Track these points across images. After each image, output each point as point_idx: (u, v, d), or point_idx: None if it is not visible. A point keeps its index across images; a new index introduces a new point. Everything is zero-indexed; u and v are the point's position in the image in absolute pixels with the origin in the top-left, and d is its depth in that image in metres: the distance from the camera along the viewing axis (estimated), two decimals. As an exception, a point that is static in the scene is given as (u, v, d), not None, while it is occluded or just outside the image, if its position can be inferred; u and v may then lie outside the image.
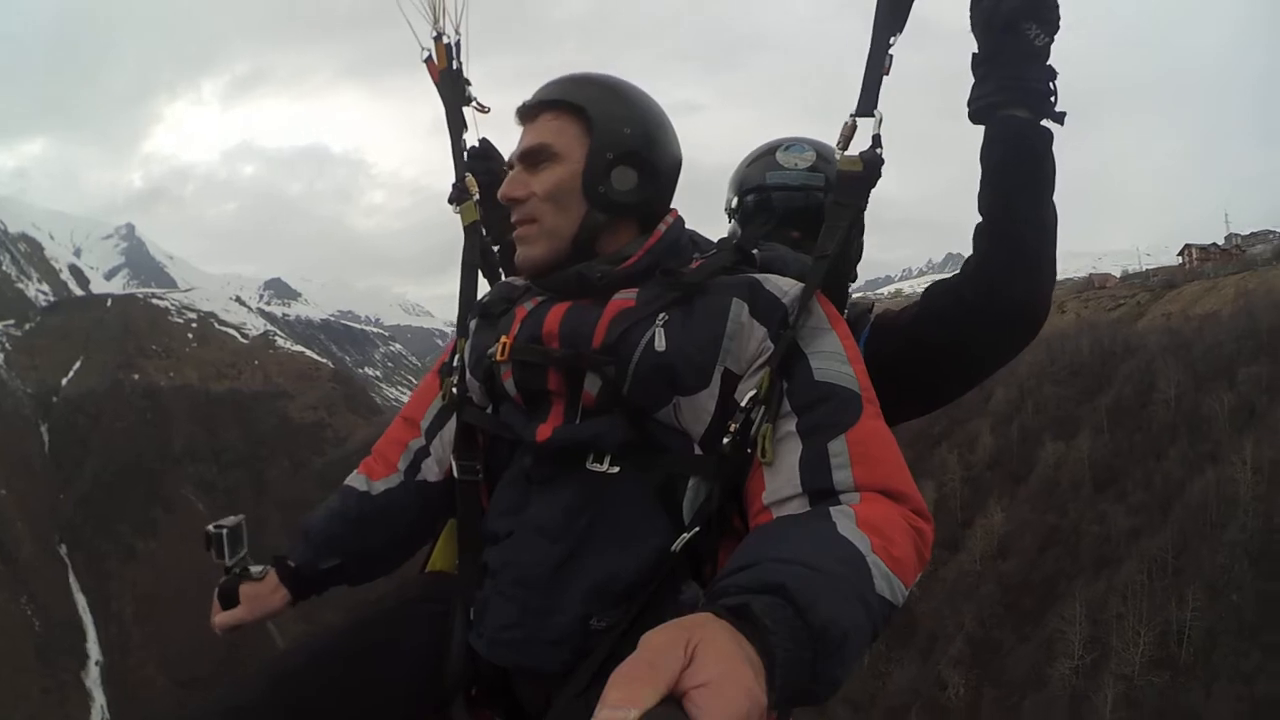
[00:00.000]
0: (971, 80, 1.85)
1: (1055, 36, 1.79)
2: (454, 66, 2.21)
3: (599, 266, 1.70)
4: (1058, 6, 1.78)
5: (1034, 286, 1.81)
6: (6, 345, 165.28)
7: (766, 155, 2.35)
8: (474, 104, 2.21)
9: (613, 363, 1.61)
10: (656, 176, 1.77)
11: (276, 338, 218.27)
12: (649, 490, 1.59)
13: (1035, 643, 46.74)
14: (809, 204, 2.27)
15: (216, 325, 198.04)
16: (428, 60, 2.22)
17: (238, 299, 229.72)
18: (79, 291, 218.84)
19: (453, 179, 2.18)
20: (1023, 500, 57.36)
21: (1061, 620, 45.50)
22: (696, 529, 1.54)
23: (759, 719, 0.89)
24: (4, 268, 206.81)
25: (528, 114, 1.76)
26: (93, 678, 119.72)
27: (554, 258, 1.72)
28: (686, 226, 1.85)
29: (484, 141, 2.21)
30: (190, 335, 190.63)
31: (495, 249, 2.18)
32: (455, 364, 1.88)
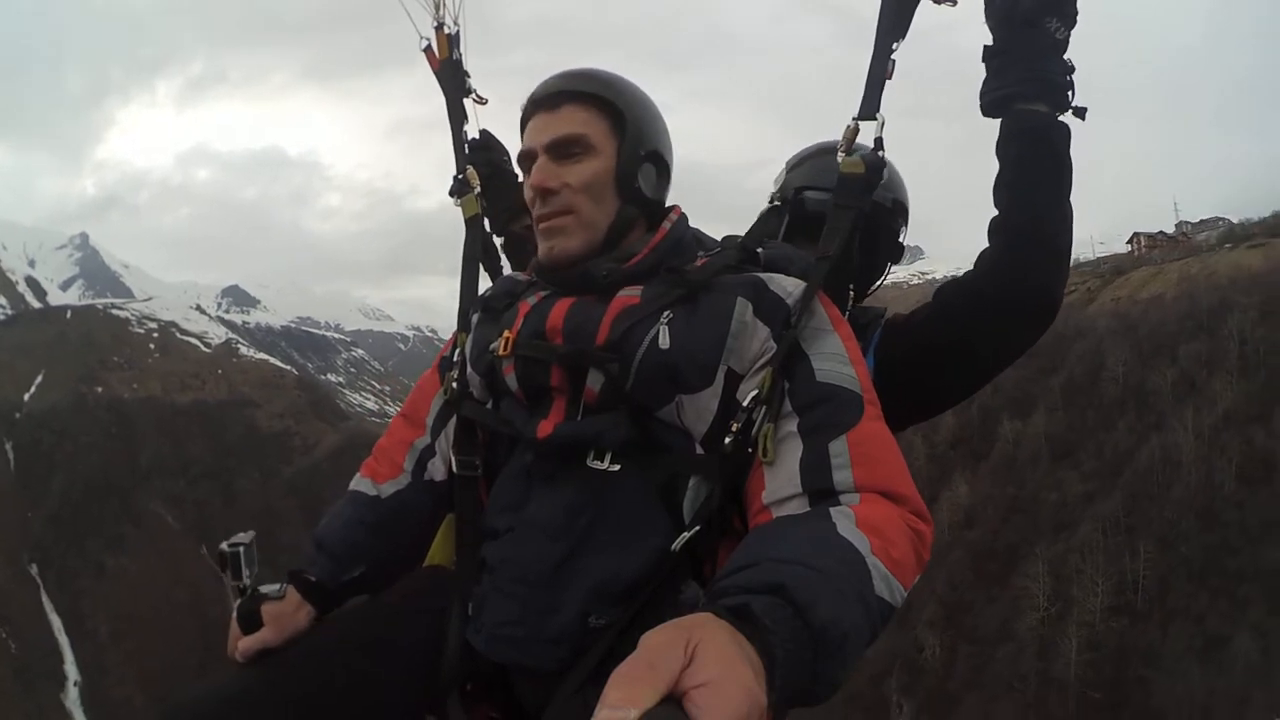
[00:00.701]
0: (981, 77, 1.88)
1: (1073, 30, 1.81)
2: (455, 57, 2.21)
3: (605, 264, 1.71)
4: (1076, 1, 1.80)
5: (1054, 278, 1.85)
6: None
7: (814, 156, 2.35)
8: (474, 95, 2.20)
9: (616, 360, 1.61)
10: (669, 174, 1.84)
11: (239, 346, 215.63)
12: (650, 489, 1.59)
13: (1003, 601, 50.84)
14: (871, 222, 2.18)
15: (178, 335, 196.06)
16: (427, 50, 2.22)
17: (198, 307, 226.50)
18: (36, 304, 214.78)
19: (450, 174, 2.16)
20: (985, 474, 61.61)
21: (1026, 579, 49.59)
22: (697, 528, 1.54)
23: (759, 719, 0.89)
24: None
25: (547, 103, 1.74)
26: (72, 699, 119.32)
27: (588, 250, 1.73)
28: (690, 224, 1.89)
29: (484, 133, 2.19)
30: (152, 346, 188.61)
31: (498, 241, 2.19)
32: (456, 359, 1.90)
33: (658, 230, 1.75)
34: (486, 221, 2.11)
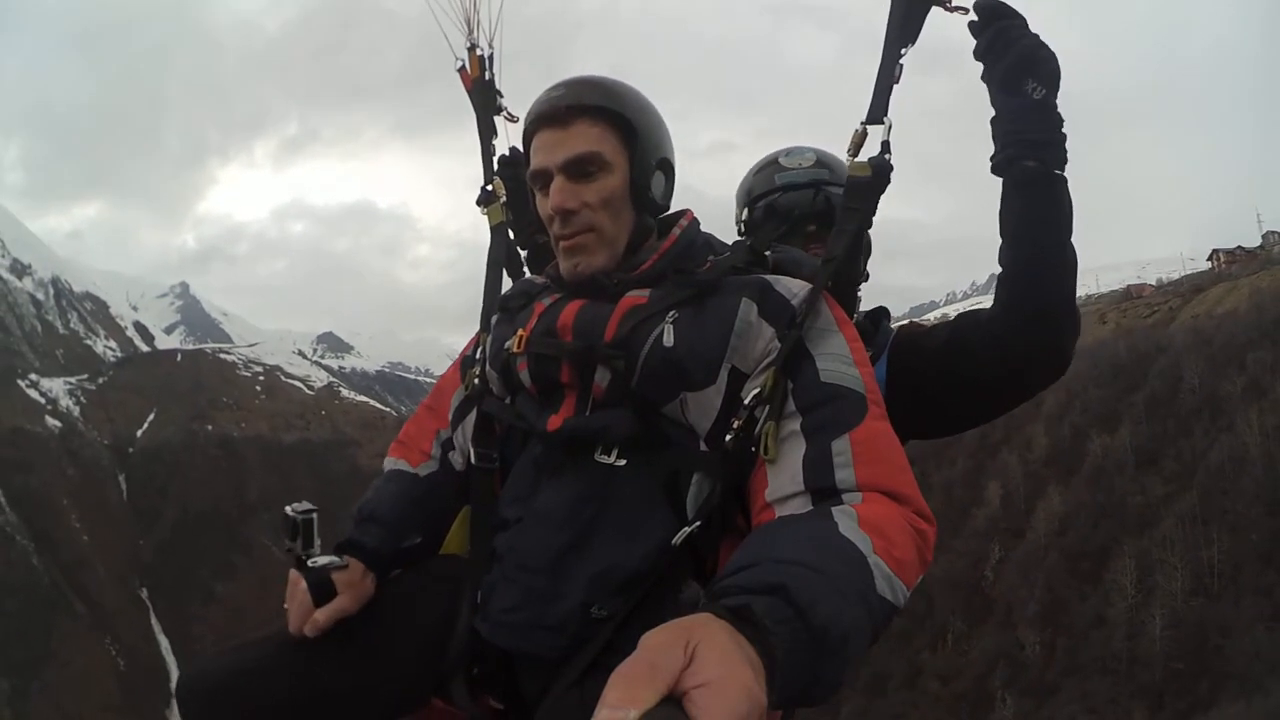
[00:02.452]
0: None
1: (1057, 87, 1.85)
2: (486, 77, 2.29)
3: (616, 273, 1.78)
4: (1054, 59, 1.84)
5: (1054, 335, 1.91)
6: (81, 399, 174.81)
7: (770, 164, 2.48)
8: (505, 113, 2.27)
9: (622, 356, 1.66)
10: (674, 179, 1.89)
11: (340, 389, 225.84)
12: (654, 484, 1.64)
13: (1096, 596, 56.56)
14: (819, 199, 2.38)
15: (283, 378, 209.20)
16: (461, 70, 2.31)
17: (299, 352, 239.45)
18: (145, 347, 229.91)
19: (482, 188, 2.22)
20: (1077, 486, 67.12)
21: (1115, 573, 55.38)
22: (697, 523, 1.58)
23: (759, 719, 0.90)
24: (72, 325, 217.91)
25: (557, 120, 1.76)
26: (177, 717, 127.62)
27: (611, 264, 1.78)
28: (702, 229, 1.93)
29: (514, 150, 2.19)
30: (259, 388, 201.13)
31: (522, 252, 2.24)
32: (477, 357, 1.97)
33: (668, 236, 1.84)
34: (511, 231, 2.19)
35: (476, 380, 1.93)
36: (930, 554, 1.45)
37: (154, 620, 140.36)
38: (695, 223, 1.91)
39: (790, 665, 1.02)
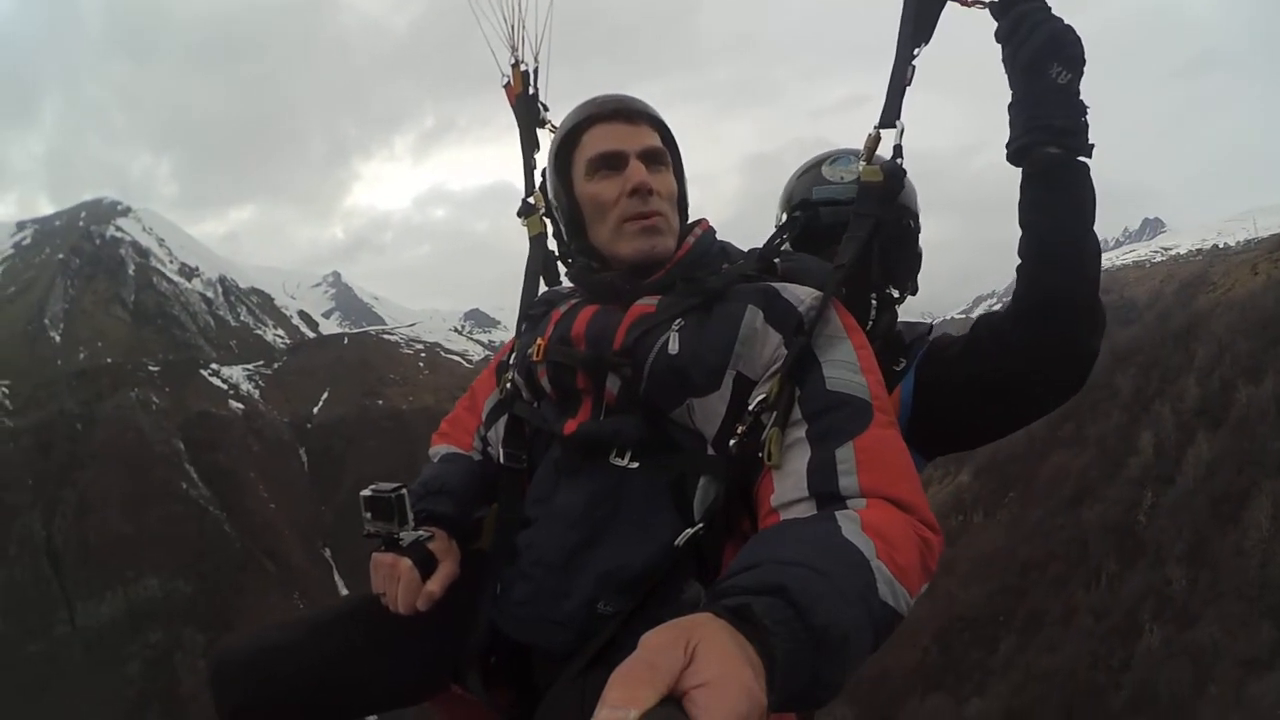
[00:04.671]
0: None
1: (1082, 72, 1.85)
2: (530, 92, 2.43)
3: (629, 278, 1.89)
4: (1079, 43, 1.84)
5: (1074, 329, 1.88)
6: (260, 383, 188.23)
7: (813, 169, 2.41)
8: (548, 126, 2.40)
9: (629, 364, 1.77)
10: None
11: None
12: (663, 486, 1.73)
13: (1235, 533, 63.76)
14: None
15: (443, 354, 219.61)
16: (506, 85, 2.46)
17: (456, 329, 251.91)
18: (310, 334, 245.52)
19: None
20: (1223, 434, 73.67)
21: (1254, 512, 62.68)
22: (701, 526, 1.67)
23: (759, 719, 0.92)
24: (242, 318, 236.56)
25: (627, 116, 1.92)
26: None
27: (671, 254, 1.91)
28: (718, 236, 2.03)
29: None
30: (421, 364, 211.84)
31: (561, 261, 2.24)
32: (510, 362, 2.10)
33: (682, 245, 1.95)
34: (553, 240, 2.23)
35: (509, 385, 2.08)
36: (935, 563, 1.49)
37: (336, 576, 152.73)
38: (710, 232, 2.01)
39: (790, 665, 1.05)
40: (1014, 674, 68.95)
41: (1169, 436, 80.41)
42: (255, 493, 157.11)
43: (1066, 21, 1.86)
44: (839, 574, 1.24)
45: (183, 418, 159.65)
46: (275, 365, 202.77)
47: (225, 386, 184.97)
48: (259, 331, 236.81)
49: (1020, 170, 1.92)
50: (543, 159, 2.23)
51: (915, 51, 1.91)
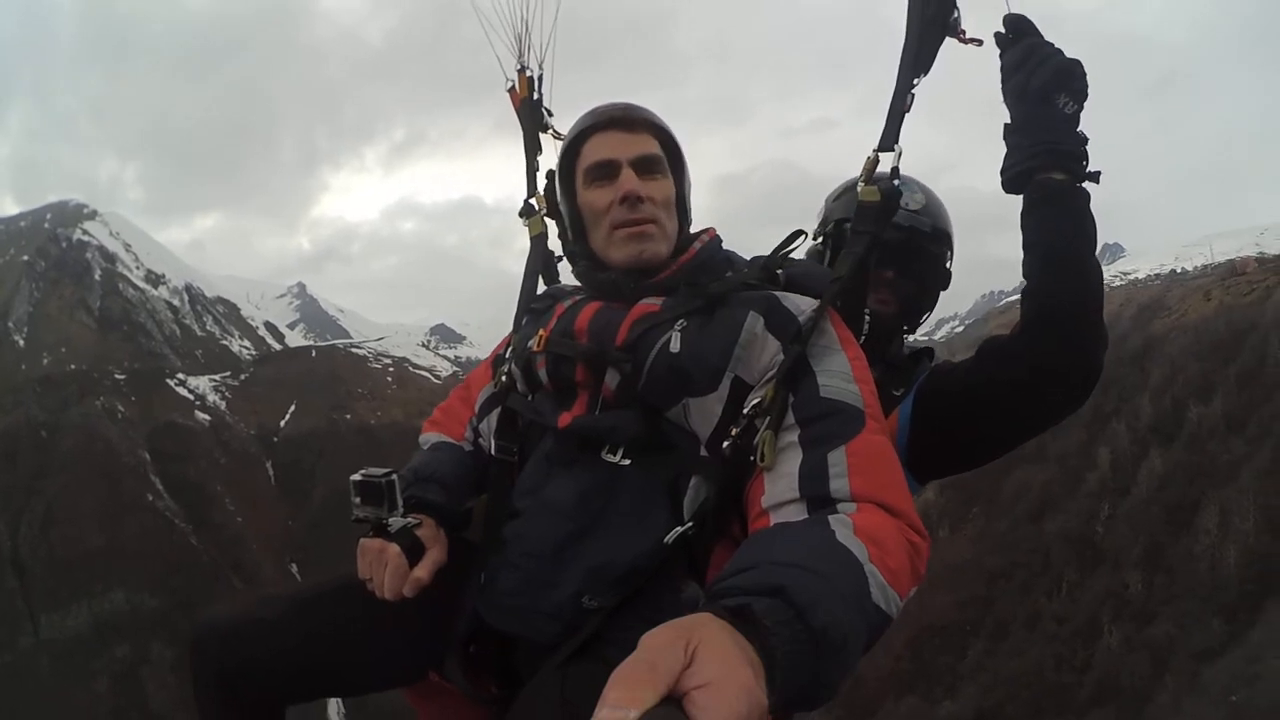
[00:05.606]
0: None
1: (1084, 105, 1.93)
2: (534, 97, 2.49)
3: (634, 279, 1.94)
4: (1085, 77, 1.93)
5: (1077, 344, 1.96)
6: (226, 394, 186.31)
7: (849, 192, 2.51)
8: (551, 131, 2.45)
9: (629, 360, 1.80)
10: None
11: (462, 377, 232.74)
12: (656, 485, 1.75)
13: (1187, 538, 69.45)
14: (911, 246, 2.47)
15: (411, 369, 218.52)
16: (511, 90, 2.49)
17: (423, 344, 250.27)
18: (276, 345, 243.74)
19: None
20: (1175, 449, 79.77)
21: (1204, 519, 68.40)
22: (690, 525, 1.69)
23: None
24: (208, 327, 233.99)
25: (625, 124, 1.98)
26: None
27: (666, 259, 1.97)
28: (724, 245, 2.09)
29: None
30: (390, 379, 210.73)
31: (560, 259, 2.34)
32: (507, 356, 2.13)
33: (688, 250, 2.01)
34: (559, 239, 2.27)
35: (504, 377, 2.11)
36: (923, 567, 1.52)
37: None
38: (717, 240, 2.07)
39: (790, 666, 1.06)
40: (983, 677, 73.66)
41: (1125, 451, 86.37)
42: (222, 505, 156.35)
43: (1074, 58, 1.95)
44: (835, 576, 1.27)
45: (149, 428, 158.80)
46: (242, 376, 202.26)
47: (192, 397, 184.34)
48: (225, 342, 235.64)
49: (1021, 198, 2.04)
50: (545, 162, 2.38)
51: (915, 80, 1.98)
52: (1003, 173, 2.05)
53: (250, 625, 1.88)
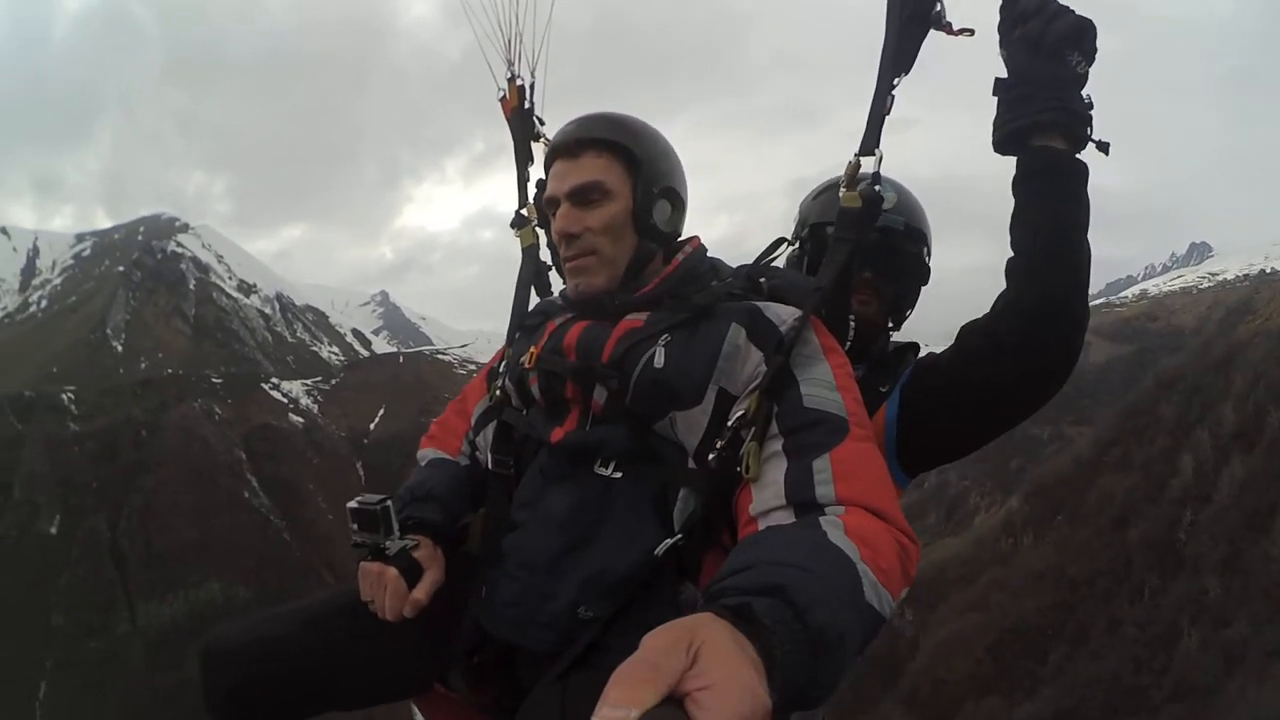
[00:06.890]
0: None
1: (1090, 67, 1.88)
2: (525, 106, 2.49)
3: (619, 295, 1.96)
4: (1096, 39, 1.89)
5: (1063, 328, 1.92)
6: (319, 398, 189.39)
7: (828, 191, 2.45)
8: (543, 140, 2.48)
9: (616, 376, 1.83)
10: (683, 208, 2.04)
11: None
12: (646, 497, 1.79)
13: (1265, 543, 71.74)
14: (886, 245, 2.36)
15: None
16: (502, 99, 2.50)
17: None
18: (364, 352, 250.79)
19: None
20: (1257, 454, 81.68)
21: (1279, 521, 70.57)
22: (680, 536, 1.72)
23: None
24: (299, 334, 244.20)
25: (567, 152, 1.98)
26: None
27: (611, 285, 1.97)
28: (709, 254, 2.09)
29: None
30: None
31: (551, 269, 2.37)
32: (500, 370, 2.17)
33: (671, 262, 2.01)
34: (548, 250, 2.29)
35: (499, 392, 2.14)
36: (914, 569, 1.52)
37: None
38: (701, 249, 2.08)
39: (789, 666, 1.07)
40: (1063, 680, 74.91)
41: (1207, 459, 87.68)
42: (314, 504, 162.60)
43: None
44: (830, 576, 1.29)
45: (245, 429, 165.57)
46: (333, 381, 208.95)
47: (285, 400, 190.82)
48: (314, 348, 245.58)
49: (1015, 164, 1.96)
50: (536, 171, 2.38)
51: (895, 81, 1.94)
52: (998, 128, 1.98)
53: (260, 643, 1.93)
